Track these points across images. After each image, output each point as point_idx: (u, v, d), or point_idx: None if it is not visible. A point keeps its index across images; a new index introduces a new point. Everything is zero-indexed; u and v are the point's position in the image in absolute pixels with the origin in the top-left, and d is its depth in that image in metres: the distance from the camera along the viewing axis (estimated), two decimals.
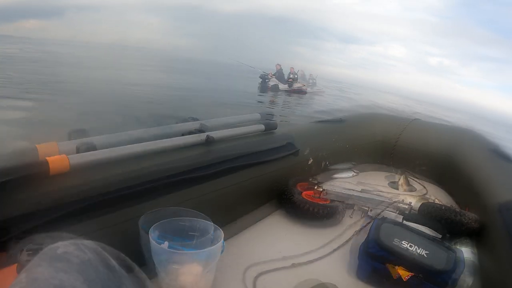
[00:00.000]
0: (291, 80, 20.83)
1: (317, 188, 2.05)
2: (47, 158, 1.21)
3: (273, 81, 20.68)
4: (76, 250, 0.65)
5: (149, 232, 1.23)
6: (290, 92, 20.56)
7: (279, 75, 20.97)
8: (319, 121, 2.94)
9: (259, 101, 17.66)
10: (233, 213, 1.76)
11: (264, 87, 20.65)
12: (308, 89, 22.67)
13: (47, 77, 15.39)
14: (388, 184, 2.75)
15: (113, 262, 0.68)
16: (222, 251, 1.31)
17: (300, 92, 21.30)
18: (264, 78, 20.85)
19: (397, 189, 2.66)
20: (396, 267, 1.39)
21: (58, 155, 1.26)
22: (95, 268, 0.63)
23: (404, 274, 1.37)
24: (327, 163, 2.62)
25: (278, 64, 21.20)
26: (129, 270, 0.71)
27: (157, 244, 1.21)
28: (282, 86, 20.60)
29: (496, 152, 2.36)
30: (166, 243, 1.30)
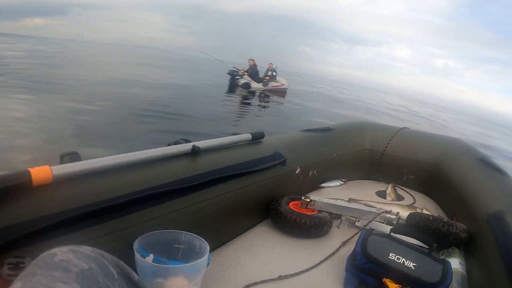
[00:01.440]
0: (267, 78, 18.04)
1: (304, 198, 2.04)
2: (29, 168, 1.17)
3: (245, 79, 17.56)
4: (75, 258, 0.61)
5: (133, 245, 1.20)
6: (266, 92, 17.89)
7: (252, 72, 17.66)
8: (307, 130, 2.94)
9: (224, 101, 15.22)
10: (219, 224, 1.74)
11: (233, 86, 17.79)
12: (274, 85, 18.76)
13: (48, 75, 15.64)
14: (376, 193, 2.76)
15: (113, 271, 0.65)
16: (208, 264, 1.29)
17: (280, 92, 18.76)
18: (233, 75, 17.88)
19: (385, 198, 2.67)
20: (384, 279, 1.38)
21: (41, 166, 1.23)
22: (94, 278, 0.60)
23: (392, 286, 1.36)
24: (315, 172, 2.61)
25: (251, 60, 17.68)
26: (128, 279, 0.68)
27: (141, 257, 1.18)
28: (256, 85, 17.57)
29: (484, 162, 2.38)
30: (151, 255, 1.27)
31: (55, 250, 0.63)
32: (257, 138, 2.26)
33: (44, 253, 0.62)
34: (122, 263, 0.68)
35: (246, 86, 17.16)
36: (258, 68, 18.45)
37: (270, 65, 18.44)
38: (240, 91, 17.13)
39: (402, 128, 3.33)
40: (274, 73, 18.39)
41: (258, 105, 15.97)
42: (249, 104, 15.66)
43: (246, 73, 17.58)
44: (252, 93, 17.42)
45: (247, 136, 2.20)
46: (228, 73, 17.88)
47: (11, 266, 0.81)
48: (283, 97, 18.70)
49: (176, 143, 1.75)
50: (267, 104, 16.38)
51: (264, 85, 17.83)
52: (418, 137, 3.22)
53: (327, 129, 3.02)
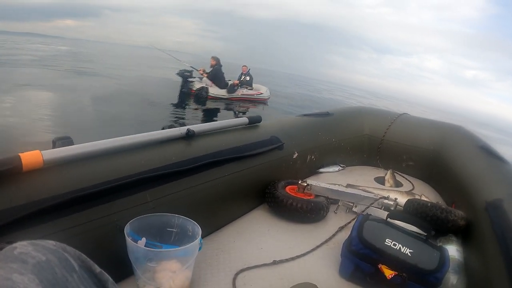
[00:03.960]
0: (236, 83, 13.11)
1: (301, 182, 2.02)
2: (19, 153, 1.15)
3: (203, 82, 12.46)
4: (34, 251, 0.61)
5: (125, 229, 1.18)
6: (232, 100, 13.03)
7: (214, 73, 12.44)
8: (305, 115, 2.90)
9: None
10: (214, 208, 1.72)
11: (184, 94, 12.38)
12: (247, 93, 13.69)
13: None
14: (374, 179, 2.74)
15: (74, 263, 0.64)
16: (200, 248, 1.27)
17: (256, 101, 13.99)
18: (184, 76, 12.27)
19: (383, 184, 2.65)
20: (380, 265, 1.37)
21: (32, 151, 1.20)
22: (51, 269, 0.60)
23: (387, 272, 1.34)
24: (313, 157, 2.58)
25: (213, 58, 12.61)
26: (90, 271, 0.67)
27: (132, 242, 1.16)
28: (217, 92, 12.53)
29: (484, 150, 2.35)
30: (144, 239, 1.26)
31: (16, 244, 0.64)
32: (254, 122, 2.23)
33: (6, 247, 0.62)
34: (84, 256, 0.69)
35: (202, 93, 12.11)
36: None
37: (244, 68, 13.88)
38: (197, 101, 12.11)
39: (402, 113, 3.29)
40: (248, 78, 13.61)
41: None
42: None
43: (205, 75, 12.35)
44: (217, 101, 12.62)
45: (244, 120, 2.17)
46: (178, 74, 12.33)
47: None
48: (262, 104, 14.20)
49: (170, 127, 1.73)
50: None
51: (229, 92, 12.83)
52: (419, 123, 3.18)
53: (326, 114, 2.99)
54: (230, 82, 12.98)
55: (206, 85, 12.28)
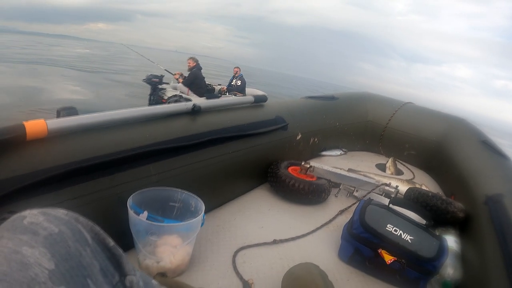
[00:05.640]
0: (223, 89, 10.44)
1: (304, 164, 2.01)
2: (23, 122, 1.13)
3: (178, 89, 9.48)
4: (45, 221, 0.56)
5: (127, 202, 1.17)
6: None
7: (191, 79, 9.49)
8: (310, 97, 2.88)
9: None
10: (216, 185, 1.72)
11: (154, 101, 9.41)
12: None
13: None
14: (376, 165, 2.74)
15: (87, 236, 0.61)
16: (202, 224, 1.26)
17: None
18: (153, 84, 9.49)
19: (384, 171, 2.65)
20: (380, 250, 1.37)
21: (36, 120, 1.18)
22: (65, 242, 0.55)
23: (387, 258, 1.34)
24: (316, 140, 2.57)
25: (190, 59, 9.77)
26: (103, 245, 0.64)
27: (134, 214, 1.15)
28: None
29: (487, 144, 2.34)
30: (145, 212, 1.25)
31: (26, 212, 0.58)
32: (259, 101, 2.21)
33: (15, 215, 0.58)
34: (97, 228, 0.64)
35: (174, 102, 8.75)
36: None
37: (237, 69, 11.21)
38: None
39: (407, 102, 3.28)
40: (239, 82, 10.80)
41: None
42: None
43: (180, 80, 9.55)
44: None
45: (250, 98, 2.15)
46: (145, 81, 9.53)
47: (3, 221, 0.78)
48: None
49: (176, 101, 1.70)
50: None
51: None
52: (423, 113, 3.16)
53: (331, 98, 2.97)
54: (218, 87, 10.56)
55: (181, 92, 9.19)
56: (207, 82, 10.04)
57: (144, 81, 9.54)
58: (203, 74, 9.64)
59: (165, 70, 10.43)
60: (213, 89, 10.36)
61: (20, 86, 11.52)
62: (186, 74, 9.48)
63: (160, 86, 9.48)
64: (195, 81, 9.43)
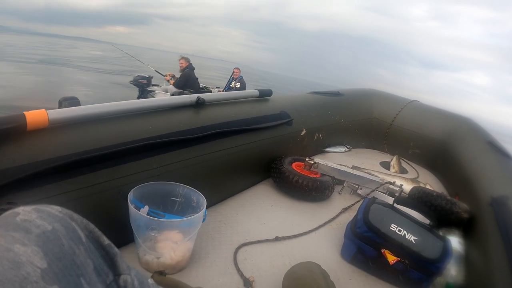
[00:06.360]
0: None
1: (308, 160, 1.99)
2: (24, 112, 1.11)
3: (168, 92, 8.64)
4: (38, 219, 0.55)
5: (128, 196, 1.16)
6: None
7: (183, 80, 8.46)
8: (316, 93, 2.86)
9: None
10: (219, 180, 1.70)
11: None
12: None
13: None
14: (380, 163, 2.72)
15: (81, 234, 0.59)
16: (203, 219, 1.25)
17: None
18: (140, 85, 9.15)
19: (388, 169, 2.62)
20: (383, 250, 1.35)
21: (37, 110, 1.16)
22: (58, 240, 0.54)
23: (390, 258, 1.33)
24: (321, 136, 2.55)
25: (183, 58, 8.68)
26: (98, 243, 0.62)
27: (135, 209, 1.14)
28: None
29: (493, 145, 2.31)
30: (146, 207, 1.24)
31: (19, 209, 0.57)
32: (264, 95, 2.19)
33: (8, 212, 0.56)
34: (92, 226, 0.63)
35: None
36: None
37: (236, 70, 10.06)
38: None
39: (413, 100, 3.25)
40: (238, 85, 9.64)
41: None
42: None
43: (172, 82, 8.66)
44: None
45: (255, 92, 2.13)
46: (132, 83, 9.15)
47: (1, 212, 0.76)
48: None
49: (180, 93, 1.68)
50: None
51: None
52: (429, 111, 3.13)
53: (336, 94, 2.94)
54: (216, 90, 9.74)
55: (173, 95, 7.60)
56: (204, 85, 9.30)
57: (131, 83, 9.08)
58: (199, 75, 9.02)
59: (156, 71, 9.86)
60: (209, 92, 9.13)
61: (21, 85, 11.83)
62: (178, 75, 8.65)
63: (149, 88, 9.05)
64: (187, 82, 8.47)
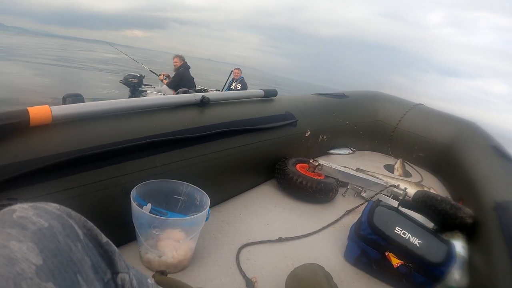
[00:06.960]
0: None
1: (313, 161, 1.98)
2: (28, 107, 1.10)
3: (161, 92, 8.17)
4: (35, 216, 0.55)
5: (131, 193, 1.15)
6: None
7: (177, 80, 7.95)
8: (321, 94, 2.85)
9: None
10: (222, 179, 1.69)
11: None
12: None
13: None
14: (384, 166, 2.70)
15: (78, 231, 0.59)
16: (207, 219, 1.24)
17: None
18: (131, 85, 8.51)
19: (393, 172, 2.61)
20: (387, 253, 1.34)
21: (41, 105, 1.15)
22: (54, 237, 0.54)
23: (394, 261, 1.31)
24: (325, 137, 2.54)
25: (177, 57, 8.13)
26: (96, 241, 0.62)
27: (137, 207, 1.13)
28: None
29: (497, 150, 2.29)
30: (149, 205, 1.23)
31: (16, 206, 0.57)
32: (269, 95, 2.18)
33: (6, 209, 0.56)
34: (90, 224, 0.62)
35: None
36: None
37: (237, 71, 9.48)
38: None
39: (418, 104, 3.24)
40: (239, 86, 9.05)
41: None
42: None
43: (165, 82, 8.19)
44: None
45: (260, 92, 2.12)
46: (123, 82, 8.56)
47: (1, 208, 0.75)
48: None
49: (185, 92, 1.68)
50: None
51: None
52: (434, 115, 3.12)
53: (341, 96, 2.94)
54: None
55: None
56: (201, 86, 8.55)
57: (122, 82, 8.55)
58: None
59: (150, 70, 9.38)
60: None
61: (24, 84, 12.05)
62: (173, 74, 8.19)
63: (140, 88, 8.52)
64: (181, 82, 7.89)
